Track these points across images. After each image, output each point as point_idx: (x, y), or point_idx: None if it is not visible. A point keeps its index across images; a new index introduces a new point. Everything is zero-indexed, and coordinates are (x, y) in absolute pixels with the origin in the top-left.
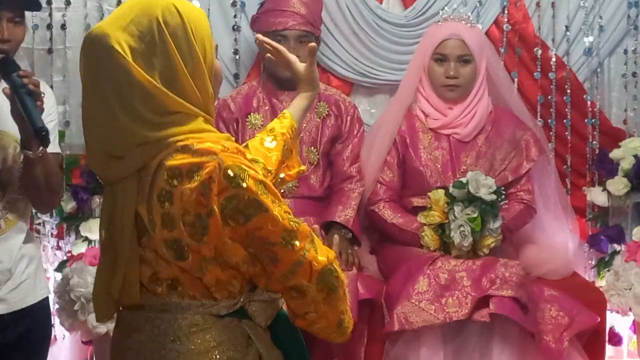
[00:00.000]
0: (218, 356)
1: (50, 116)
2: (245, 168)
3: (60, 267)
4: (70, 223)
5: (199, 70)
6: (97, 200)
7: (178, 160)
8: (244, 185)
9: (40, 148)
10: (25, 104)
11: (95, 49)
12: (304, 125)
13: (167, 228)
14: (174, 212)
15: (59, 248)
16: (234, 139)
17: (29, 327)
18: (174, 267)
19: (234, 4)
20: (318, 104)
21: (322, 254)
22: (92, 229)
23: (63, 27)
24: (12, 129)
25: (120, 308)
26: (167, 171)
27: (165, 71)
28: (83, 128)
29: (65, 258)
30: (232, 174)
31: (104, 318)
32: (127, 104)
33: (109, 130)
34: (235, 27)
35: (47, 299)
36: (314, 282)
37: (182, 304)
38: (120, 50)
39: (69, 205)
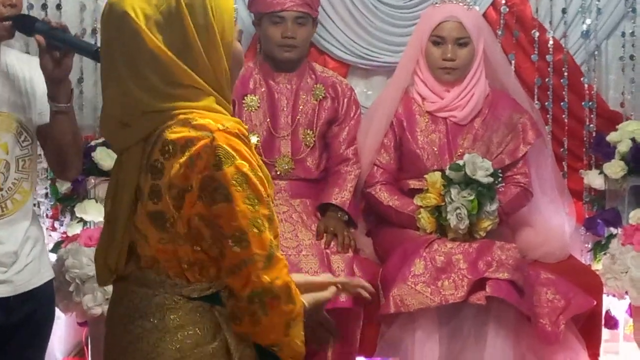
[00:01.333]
0: (180, 337)
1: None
2: (234, 154)
3: (55, 249)
4: (66, 204)
5: (214, 46)
6: (92, 181)
7: (176, 133)
8: (222, 170)
9: (70, 99)
10: (68, 38)
11: (111, 14)
12: (301, 107)
13: (152, 200)
14: (162, 184)
15: (54, 229)
16: (245, 126)
17: (34, 308)
18: (152, 246)
19: None
20: (315, 86)
21: (271, 276)
22: (87, 210)
23: (58, 7)
24: (12, 109)
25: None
26: (163, 143)
27: (178, 41)
28: (102, 95)
29: (60, 239)
30: (217, 155)
31: (102, 283)
32: (137, 70)
33: (119, 97)
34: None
35: (51, 281)
36: (245, 294)
37: (156, 280)
38: (133, 15)
39: (64, 187)
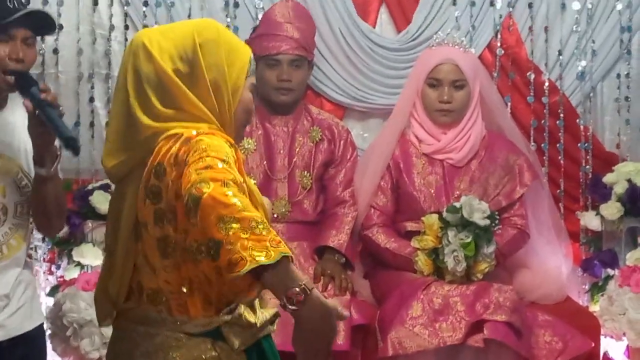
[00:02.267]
0: None
1: None
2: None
3: (52, 292)
4: (63, 248)
5: (222, 84)
6: (89, 225)
7: (164, 153)
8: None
9: (54, 165)
10: (50, 115)
11: (131, 45)
12: (297, 149)
13: (158, 225)
14: (163, 206)
15: (51, 273)
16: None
17: (25, 353)
18: (158, 276)
19: (226, 27)
20: (311, 128)
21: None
22: (84, 254)
23: (55, 51)
24: (16, 155)
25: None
26: (156, 166)
27: (188, 74)
28: (108, 124)
29: (57, 283)
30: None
31: (102, 319)
32: (142, 91)
33: (123, 121)
34: None
35: (42, 324)
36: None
37: (158, 319)
38: (148, 44)
39: (61, 231)
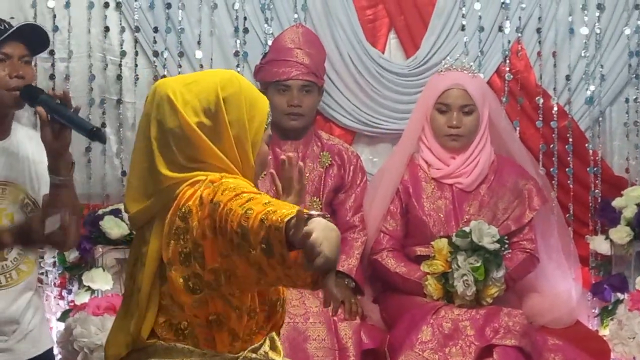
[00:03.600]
0: None
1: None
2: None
3: (63, 317)
4: (73, 273)
5: (244, 139)
6: (99, 250)
7: (190, 197)
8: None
9: (69, 172)
10: (67, 114)
11: (155, 95)
12: (307, 175)
13: (184, 264)
14: (190, 246)
15: (61, 298)
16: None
17: None
18: (186, 312)
19: (236, 54)
20: (321, 153)
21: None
22: (94, 279)
23: (67, 77)
24: (22, 181)
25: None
26: (181, 210)
27: (212, 129)
28: (129, 169)
29: (67, 308)
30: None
31: (114, 358)
32: (166, 143)
33: (147, 169)
34: None
35: (51, 349)
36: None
37: (185, 351)
38: (173, 97)
39: (71, 255)
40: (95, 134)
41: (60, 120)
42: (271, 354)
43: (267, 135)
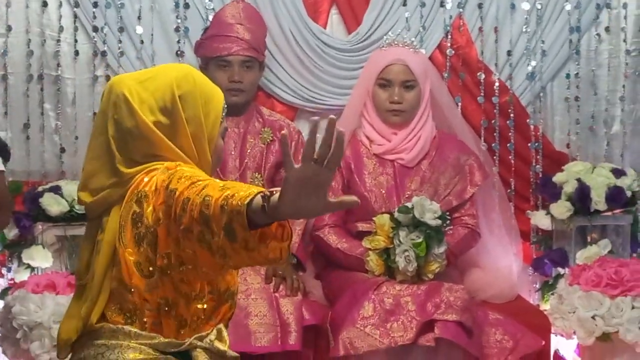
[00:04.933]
0: None
1: None
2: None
3: (2, 295)
4: (13, 250)
5: (200, 135)
6: (39, 227)
7: (147, 183)
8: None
9: None
10: None
11: (111, 93)
12: (249, 151)
13: (137, 247)
14: (143, 230)
15: (1, 275)
16: None
17: None
18: (136, 295)
19: (177, 29)
20: (263, 129)
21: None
22: (34, 257)
23: (4, 53)
24: None
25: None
26: (137, 195)
27: (168, 125)
28: (84, 162)
29: (7, 286)
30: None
31: (65, 343)
32: (124, 143)
33: (103, 162)
34: (179, 52)
35: None
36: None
37: (131, 333)
38: (129, 97)
39: (11, 233)
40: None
41: None
42: (216, 343)
43: (223, 128)
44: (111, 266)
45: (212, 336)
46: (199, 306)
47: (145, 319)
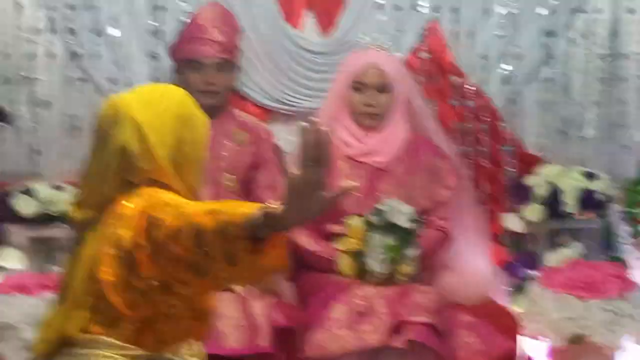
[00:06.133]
0: None
1: None
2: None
3: None
4: None
5: (195, 157)
6: (9, 229)
7: (124, 204)
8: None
9: None
10: None
11: (117, 112)
12: (222, 153)
13: (116, 268)
14: (122, 254)
15: None
16: None
17: None
18: (114, 310)
19: (153, 32)
20: (235, 131)
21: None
22: (6, 258)
23: None
24: None
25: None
26: (118, 217)
27: (171, 146)
28: (81, 178)
29: None
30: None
31: (41, 351)
32: (124, 163)
33: (97, 184)
34: (154, 55)
35: None
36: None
37: (108, 343)
38: (138, 119)
39: None
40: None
41: None
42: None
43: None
44: (90, 281)
45: (189, 352)
46: (177, 323)
47: (123, 331)
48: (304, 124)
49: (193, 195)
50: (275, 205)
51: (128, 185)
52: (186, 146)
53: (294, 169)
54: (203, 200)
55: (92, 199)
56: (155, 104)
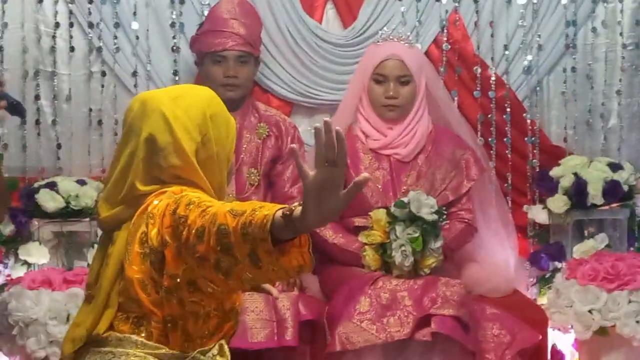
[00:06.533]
0: None
1: None
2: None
3: None
4: (9, 247)
5: (222, 155)
6: (35, 223)
7: (155, 203)
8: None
9: None
10: None
11: (145, 108)
12: (245, 146)
13: (143, 266)
14: (148, 251)
15: None
16: None
17: None
18: (142, 308)
19: (172, 25)
20: (258, 124)
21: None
22: (30, 253)
23: (0, 49)
24: None
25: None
26: (147, 216)
27: (198, 143)
28: (107, 175)
29: (3, 282)
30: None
31: (69, 350)
32: (151, 159)
33: (122, 180)
34: (175, 47)
35: None
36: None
37: (137, 342)
38: (167, 114)
39: (7, 229)
40: (14, 107)
41: None
42: (218, 358)
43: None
44: (118, 280)
45: (215, 351)
46: (204, 323)
47: (151, 330)
48: (318, 125)
49: (219, 193)
50: (295, 206)
51: (156, 182)
52: (212, 143)
53: (310, 171)
54: (227, 197)
55: (120, 197)
56: (182, 99)
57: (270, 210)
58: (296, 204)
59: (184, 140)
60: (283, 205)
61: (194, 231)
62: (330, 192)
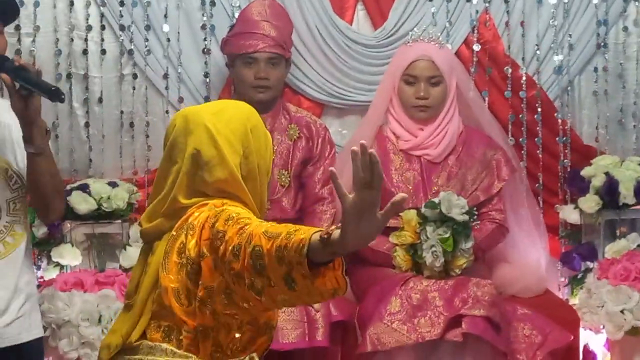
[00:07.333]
0: None
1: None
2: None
3: None
4: (42, 249)
5: (262, 167)
6: (68, 225)
7: (195, 215)
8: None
9: (44, 140)
10: (27, 77)
11: (187, 123)
12: (275, 147)
13: (178, 276)
14: (185, 261)
15: None
16: None
17: None
18: (174, 317)
19: (203, 27)
20: (289, 126)
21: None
22: (63, 255)
23: (32, 52)
24: (4, 152)
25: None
26: (187, 227)
27: (241, 155)
28: (152, 188)
29: (36, 284)
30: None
31: (104, 357)
32: (195, 172)
33: (166, 193)
34: (205, 50)
35: (40, 339)
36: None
37: (167, 351)
38: (212, 128)
39: (40, 231)
40: (54, 94)
41: (24, 85)
42: None
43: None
44: (155, 288)
45: None
46: (237, 335)
47: (182, 338)
48: (355, 148)
49: (260, 207)
50: (332, 229)
51: (199, 195)
52: (254, 156)
53: (348, 194)
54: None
55: (162, 210)
56: (222, 113)
57: (306, 233)
58: (333, 227)
59: (228, 154)
60: (319, 229)
61: (230, 248)
62: (368, 213)
